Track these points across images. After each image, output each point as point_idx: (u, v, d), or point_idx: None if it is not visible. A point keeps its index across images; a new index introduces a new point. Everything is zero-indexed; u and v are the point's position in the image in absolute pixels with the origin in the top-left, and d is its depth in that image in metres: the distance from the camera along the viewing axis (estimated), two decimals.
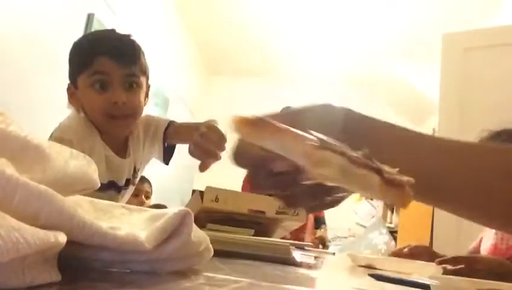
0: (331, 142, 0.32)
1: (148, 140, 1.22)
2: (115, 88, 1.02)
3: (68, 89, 1.09)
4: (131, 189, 1.26)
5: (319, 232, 3.00)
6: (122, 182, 1.19)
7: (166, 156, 1.26)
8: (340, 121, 0.48)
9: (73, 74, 1.06)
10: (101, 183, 1.14)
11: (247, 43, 4.78)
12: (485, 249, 1.32)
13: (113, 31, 1.13)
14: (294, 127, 0.34)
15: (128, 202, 2.00)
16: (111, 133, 1.10)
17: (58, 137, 1.01)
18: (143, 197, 2.21)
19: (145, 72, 1.10)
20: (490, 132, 1.35)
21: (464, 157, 0.43)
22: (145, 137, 1.22)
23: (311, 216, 2.66)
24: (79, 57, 1.06)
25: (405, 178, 0.30)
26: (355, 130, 0.47)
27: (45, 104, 2.31)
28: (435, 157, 0.43)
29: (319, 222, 3.04)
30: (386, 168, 0.31)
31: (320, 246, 2.87)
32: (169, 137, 1.21)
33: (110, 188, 1.14)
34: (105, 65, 1.01)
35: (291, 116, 0.47)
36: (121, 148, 1.16)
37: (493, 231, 1.28)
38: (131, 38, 1.11)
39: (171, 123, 1.23)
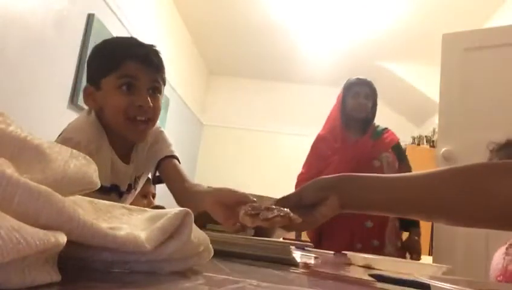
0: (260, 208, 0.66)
1: (150, 154, 1.23)
2: (141, 92, 1.07)
3: (86, 90, 1.11)
4: (132, 194, 1.27)
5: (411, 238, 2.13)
6: (125, 188, 1.19)
7: (156, 179, 1.26)
8: (332, 183, 0.69)
9: (97, 75, 1.08)
10: (104, 186, 1.14)
11: (247, 43, 4.78)
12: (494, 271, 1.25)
13: (136, 39, 1.17)
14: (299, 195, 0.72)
15: (137, 203, 2.00)
16: (129, 136, 1.11)
17: (66, 138, 1.03)
18: (151, 197, 2.23)
19: (165, 82, 1.16)
20: (496, 144, 1.38)
21: (427, 185, 0.63)
22: (149, 150, 1.23)
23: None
24: (107, 59, 1.09)
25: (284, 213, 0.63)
26: (346, 187, 0.68)
27: (44, 104, 2.31)
28: (408, 192, 0.64)
29: (408, 225, 2.14)
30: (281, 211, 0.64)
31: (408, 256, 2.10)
32: (159, 170, 1.22)
33: (112, 192, 1.15)
34: (134, 69, 1.06)
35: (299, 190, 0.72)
36: (126, 154, 1.17)
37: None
38: (157, 48, 1.16)
39: (168, 158, 1.21)
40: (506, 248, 1.20)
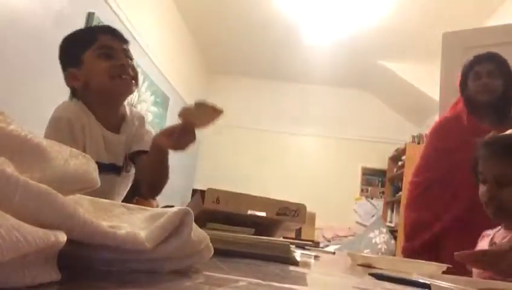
0: None
1: (136, 136, 1.31)
2: (119, 56, 1.24)
3: (69, 74, 1.24)
4: (131, 174, 1.32)
5: None
6: (121, 162, 1.26)
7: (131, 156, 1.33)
8: None
9: (77, 53, 1.23)
10: (103, 164, 1.20)
11: (248, 42, 4.77)
12: None
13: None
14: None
15: (141, 203, 1.99)
16: (118, 90, 1.25)
17: (56, 117, 1.15)
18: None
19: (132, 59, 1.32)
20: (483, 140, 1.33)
21: None
22: (136, 130, 1.32)
23: None
24: (83, 37, 1.26)
25: None
26: None
27: (45, 102, 2.31)
28: None
29: None
30: None
31: None
32: (137, 159, 1.30)
33: (111, 170, 1.22)
34: (109, 40, 1.24)
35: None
36: (115, 126, 1.27)
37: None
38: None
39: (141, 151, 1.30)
40: (491, 244, 1.21)
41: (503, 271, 0.71)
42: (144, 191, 1.31)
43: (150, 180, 1.25)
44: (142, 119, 1.37)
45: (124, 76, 1.22)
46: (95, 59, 1.21)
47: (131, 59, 1.29)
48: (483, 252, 0.79)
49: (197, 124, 1.08)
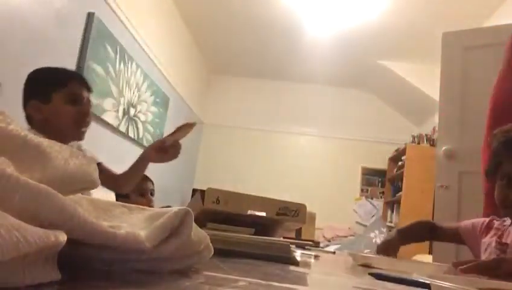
0: None
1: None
2: (84, 105, 1.42)
3: (33, 105, 1.37)
4: None
5: None
6: None
7: None
8: None
9: (47, 91, 1.38)
10: None
11: (248, 42, 4.77)
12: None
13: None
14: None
15: (137, 202, 2.00)
16: (74, 137, 1.43)
17: None
18: (149, 195, 2.22)
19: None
20: (501, 130, 1.30)
21: None
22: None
23: None
24: (56, 78, 1.42)
25: None
26: None
27: None
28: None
29: None
30: None
31: None
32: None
33: None
34: (78, 88, 1.42)
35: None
36: None
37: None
38: None
39: (100, 163, 1.56)
40: (498, 243, 1.21)
41: (498, 276, 0.72)
42: (118, 187, 1.60)
43: (129, 183, 1.57)
44: (79, 147, 1.56)
45: (84, 129, 1.43)
46: (64, 103, 1.37)
47: (91, 106, 1.49)
48: (476, 266, 0.80)
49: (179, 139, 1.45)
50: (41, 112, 1.36)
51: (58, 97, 1.37)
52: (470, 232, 1.38)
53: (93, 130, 2.87)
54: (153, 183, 2.29)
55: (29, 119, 1.39)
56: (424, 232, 1.55)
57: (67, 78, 1.42)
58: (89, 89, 1.47)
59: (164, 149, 1.46)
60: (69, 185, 0.31)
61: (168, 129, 4.21)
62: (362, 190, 5.48)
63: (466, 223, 1.44)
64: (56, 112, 1.37)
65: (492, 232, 1.27)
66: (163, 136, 1.53)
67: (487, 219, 1.34)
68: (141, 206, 0.44)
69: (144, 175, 2.28)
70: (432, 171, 3.36)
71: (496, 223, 1.29)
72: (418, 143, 4.63)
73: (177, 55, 4.48)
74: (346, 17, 3.95)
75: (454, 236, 1.45)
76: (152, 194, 2.25)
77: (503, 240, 1.20)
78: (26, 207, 0.24)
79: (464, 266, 0.80)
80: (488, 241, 1.26)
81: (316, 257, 1.02)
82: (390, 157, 5.17)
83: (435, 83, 2.66)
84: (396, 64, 4.67)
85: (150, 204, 2.12)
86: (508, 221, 1.23)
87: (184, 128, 1.42)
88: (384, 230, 4.55)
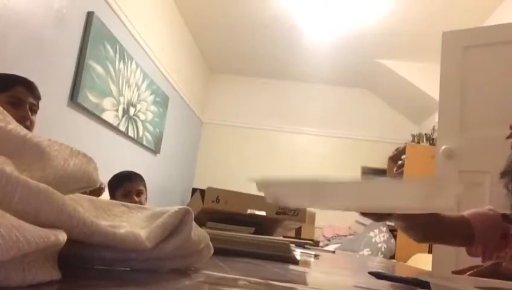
0: None
1: None
2: (25, 109, 1.46)
3: None
4: None
5: None
6: None
7: None
8: None
9: None
10: None
11: (248, 41, 4.77)
12: None
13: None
14: None
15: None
16: None
17: None
18: (134, 196, 2.04)
19: (38, 106, 1.56)
20: None
21: None
22: None
23: None
24: (2, 81, 1.47)
25: None
26: None
27: (44, 103, 2.31)
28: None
29: None
30: None
31: None
32: None
33: None
34: (21, 93, 1.47)
35: None
36: None
37: None
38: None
39: None
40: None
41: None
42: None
43: None
44: None
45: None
46: (4, 104, 1.40)
47: (35, 113, 1.52)
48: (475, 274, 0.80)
49: None
50: None
51: (0, 98, 1.43)
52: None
53: (92, 129, 2.89)
54: (143, 181, 2.12)
55: None
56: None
57: (14, 83, 1.49)
58: (36, 96, 1.52)
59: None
60: (69, 185, 0.31)
61: (167, 129, 4.21)
62: None
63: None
64: None
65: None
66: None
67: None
68: (141, 206, 0.44)
69: (130, 173, 2.16)
70: (431, 171, 3.36)
71: None
72: (418, 142, 4.63)
73: (177, 54, 4.48)
74: (346, 16, 3.95)
75: None
76: (140, 194, 2.06)
77: None
78: (26, 206, 0.24)
79: (465, 275, 0.79)
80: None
81: (315, 256, 1.02)
82: (390, 156, 5.17)
83: (435, 82, 2.66)
84: (396, 63, 4.67)
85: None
86: None
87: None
88: (384, 229, 4.55)
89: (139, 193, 2.06)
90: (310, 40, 4.50)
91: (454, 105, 2.42)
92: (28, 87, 1.52)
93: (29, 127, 1.48)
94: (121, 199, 1.94)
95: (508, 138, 1.20)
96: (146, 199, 2.13)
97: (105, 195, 1.91)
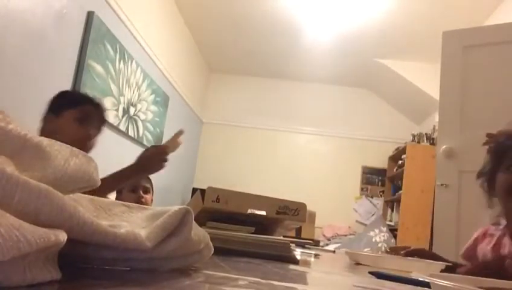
0: None
1: None
2: (92, 127, 1.50)
3: (47, 117, 1.49)
4: None
5: None
6: None
7: None
8: None
9: (60, 107, 1.49)
10: None
11: (248, 41, 4.77)
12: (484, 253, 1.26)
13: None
14: None
15: (126, 198, 2.00)
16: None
17: None
18: (140, 191, 2.13)
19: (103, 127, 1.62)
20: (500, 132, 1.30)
21: None
22: None
23: None
24: (72, 98, 1.56)
25: None
26: None
27: (44, 102, 2.31)
28: None
29: None
30: None
31: None
32: None
33: None
34: (91, 111, 1.52)
35: None
36: None
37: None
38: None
39: None
40: (494, 245, 1.19)
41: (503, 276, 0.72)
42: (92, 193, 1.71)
43: (106, 192, 1.54)
44: None
45: (87, 148, 1.48)
46: (72, 120, 1.46)
47: (100, 132, 1.57)
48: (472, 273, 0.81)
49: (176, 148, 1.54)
50: (51, 124, 1.47)
51: (69, 113, 1.47)
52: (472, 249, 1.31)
53: None
54: (149, 181, 2.20)
55: (40, 131, 1.48)
56: None
57: (86, 100, 1.54)
58: (103, 120, 1.57)
59: (165, 159, 1.54)
60: (69, 185, 0.31)
61: (168, 128, 4.21)
62: (362, 189, 5.48)
63: (467, 246, 1.32)
64: (62, 126, 1.46)
65: (487, 239, 1.25)
66: (162, 145, 1.59)
67: (484, 228, 1.30)
68: (141, 205, 0.44)
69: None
70: (432, 170, 3.36)
71: (491, 229, 1.26)
72: (418, 142, 4.63)
73: (177, 54, 4.48)
74: (346, 16, 3.95)
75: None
76: (147, 192, 2.16)
77: (501, 251, 1.17)
78: (27, 206, 0.24)
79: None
80: (484, 248, 1.23)
81: (316, 255, 1.02)
82: (391, 156, 5.17)
83: (435, 82, 2.66)
84: (396, 63, 4.67)
85: (139, 200, 2.05)
86: (502, 222, 1.21)
87: (175, 138, 1.52)
88: (384, 229, 4.55)
89: (146, 190, 2.13)
90: (310, 39, 4.50)
91: (454, 105, 2.42)
92: (100, 108, 1.57)
93: (91, 147, 1.52)
94: (129, 194, 2.00)
95: (484, 144, 1.23)
96: (152, 200, 2.20)
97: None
